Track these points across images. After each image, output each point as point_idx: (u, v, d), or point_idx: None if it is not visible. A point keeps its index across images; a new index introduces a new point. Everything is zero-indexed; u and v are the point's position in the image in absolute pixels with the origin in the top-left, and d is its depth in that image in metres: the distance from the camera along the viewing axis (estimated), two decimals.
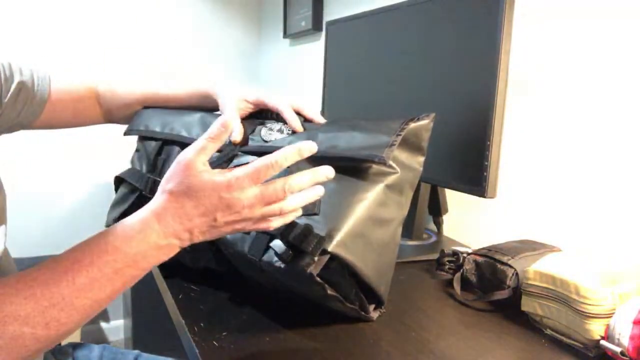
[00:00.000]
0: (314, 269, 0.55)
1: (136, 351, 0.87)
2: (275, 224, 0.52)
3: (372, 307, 0.66)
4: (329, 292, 0.58)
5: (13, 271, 0.66)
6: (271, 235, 0.58)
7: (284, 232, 0.57)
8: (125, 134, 0.83)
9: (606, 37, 0.79)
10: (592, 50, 0.82)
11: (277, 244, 0.57)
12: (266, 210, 0.50)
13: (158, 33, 2.07)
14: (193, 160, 0.50)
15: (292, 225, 0.57)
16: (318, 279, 0.56)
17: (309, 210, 0.58)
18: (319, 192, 0.53)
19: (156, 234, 0.48)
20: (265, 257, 0.59)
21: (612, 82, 0.79)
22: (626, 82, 0.77)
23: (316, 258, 0.55)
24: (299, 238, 0.56)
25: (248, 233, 0.62)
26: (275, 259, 0.57)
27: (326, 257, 0.56)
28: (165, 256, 0.50)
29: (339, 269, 0.59)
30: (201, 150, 0.50)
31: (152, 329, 1.69)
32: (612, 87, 0.79)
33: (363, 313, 0.64)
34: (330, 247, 0.56)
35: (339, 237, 0.57)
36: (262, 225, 0.52)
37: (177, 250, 0.51)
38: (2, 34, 1.79)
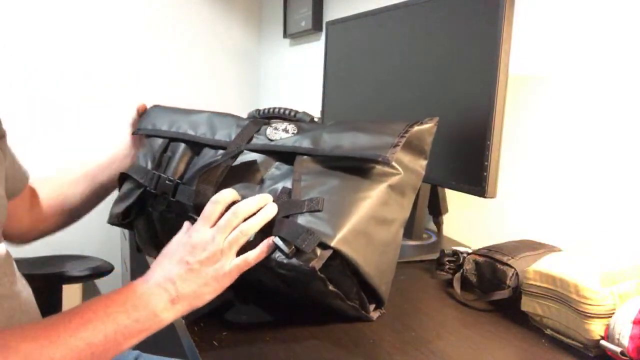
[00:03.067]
0: (316, 263, 0.55)
1: (136, 351, 0.87)
2: (252, 256, 0.57)
3: (372, 307, 0.66)
4: (330, 288, 0.59)
5: (10, 267, 0.65)
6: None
7: (284, 232, 0.57)
8: (134, 133, 0.84)
9: (606, 37, 0.79)
10: (592, 49, 0.82)
11: (280, 241, 0.57)
12: (230, 237, 0.57)
13: (158, 33, 2.07)
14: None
15: (294, 224, 0.57)
16: (319, 273, 0.56)
17: (313, 207, 0.58)
18: (270, 213, 0.58)
19: (142, 286, 0.54)
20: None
21: (611, 81, 0.79)
22: (626, 82, 0.77)
23: (318, 252, 0.56)
24: (295, 236, 0.56)
25: None
26: (278, 253, 0.57)
27: (329, 252, 0.56)
28: (160, 311, 0.53)
29: (341, 267, 0.59)
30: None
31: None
32: (611, 87, 0.79)
33: (363, 312, 0.64)
34: (333, 243, 0.56)
35: (341, 233, 0.57)
36: (239, 262, 0.57)
37: (166, 303, 0.54)
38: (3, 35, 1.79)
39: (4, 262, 0.63)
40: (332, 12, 1.67)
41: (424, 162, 0.66)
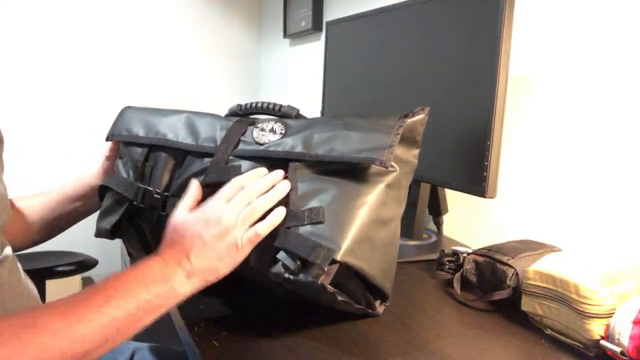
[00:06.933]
0: (325, 280, 0.55)
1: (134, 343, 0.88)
2: (261, 227, 0.57)
3: (377, 302, 0.66)
4: (339, 298, 0.58)
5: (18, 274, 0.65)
6: (277, 248, 0.58)
7: (291, 245, 0.56)
8: (107, 139, 0.79)
9: (606, 37, 0.79)
10: (592, 49, 0.82)
11: (284, 256, 0.56)
12: (243, 213, 0.58)
13: (158, 33, 2.07)
14: (176, 214, 0.61)
15: (298, 237, 0.56)
16: (330, 287, 0.56)
17: (314, 219, 0.57)
18: (283, 190, 0.59)
19: (157, 263, 0.55)
20: (274, 270, 0.58)
21: (612, 81, 0.79)
22: (626, 82, 0.77)
23: (326, 268, 0.55)
24: (306, 250, 0.55)
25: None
26: (283, 270, 0.57)
27: (336, 267, 0.56)
28: (177, 285, 0.54)
29: (346, 272, 0.58)
30: (183, 205, 0.62)
31: (152, 329, 1.68)
32: (612, 87, 0.79)
33: (370, 311, 0.65)
34: (339, 256, 0.55)
35: (346, 245, 0.56)
36: (250, 234, 0.57)
37: (182, 278, 0.55)
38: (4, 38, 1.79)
39: (12, 261, 0.63)
40: (332, 12, 1.67)
41: (416, 152, 0.66)
